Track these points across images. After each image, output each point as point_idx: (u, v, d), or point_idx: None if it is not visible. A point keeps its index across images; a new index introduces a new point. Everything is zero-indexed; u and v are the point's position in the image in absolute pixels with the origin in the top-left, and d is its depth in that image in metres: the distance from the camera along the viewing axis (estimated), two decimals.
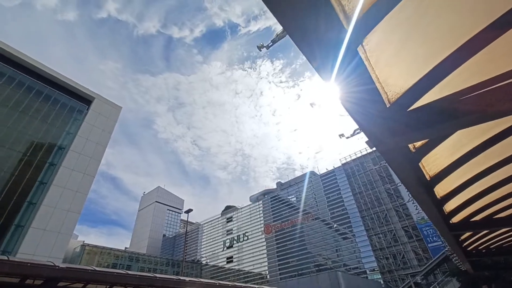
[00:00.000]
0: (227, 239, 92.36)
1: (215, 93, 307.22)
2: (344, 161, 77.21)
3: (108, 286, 12.56)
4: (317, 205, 78.92)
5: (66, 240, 32.34)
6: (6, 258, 10.76)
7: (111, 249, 68.52)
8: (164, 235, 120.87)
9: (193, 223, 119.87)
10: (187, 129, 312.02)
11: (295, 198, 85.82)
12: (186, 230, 40.46)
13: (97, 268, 11.16)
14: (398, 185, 59.86)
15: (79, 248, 61.88)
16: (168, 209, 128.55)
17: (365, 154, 72.81)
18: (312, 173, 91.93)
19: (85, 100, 40.87)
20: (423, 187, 3.86)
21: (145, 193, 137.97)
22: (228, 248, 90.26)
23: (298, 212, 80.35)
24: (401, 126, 2.63)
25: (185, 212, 34.11)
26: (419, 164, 3.55)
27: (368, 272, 62.31)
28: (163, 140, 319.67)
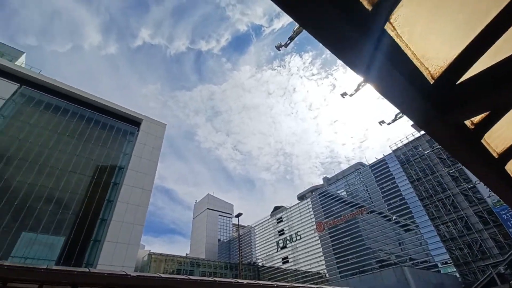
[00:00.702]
0: (279, 239, 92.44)
1: (248, 97, 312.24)
2: (394, 147, 71.64)
3: None
4: (370, 198, 74.43)
5: (135, 251, 35.78)
6: (87, 270, 12.29)
7: (173, 256, 73.75)
8: (219, 240, 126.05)
9: (244, 226, 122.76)
10: (226, 136, 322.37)
11: (344, 192, 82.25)
12: (239, 234, 41.62)
13: (162, 275, 12.09)
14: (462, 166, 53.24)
15: (146, 257, 67.85)
16: (219, 215, 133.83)
17: (418, 137, 66.53)
18: (360, 164, 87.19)
19: (135, 122, 45.00)
20: (491, 166, 3.35)
21: (197, 201, 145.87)
22: (282, 248, 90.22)
23: (351, 207, 76.77)
24: (452, 102, 2.33)
25: (235, 216, 35.14)
26: (482, 141, 3.10)
27: (440, 265, 56.47)
28: (205, 150, 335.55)
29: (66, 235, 31.77)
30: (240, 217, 35.57)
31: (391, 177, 70.67)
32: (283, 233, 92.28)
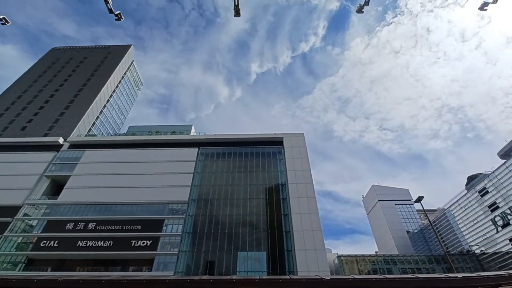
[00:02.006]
0: (495, 216, 69.62)
1: (372, 69, 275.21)
2: None
3: None
4: None
5: (323, 255, 37.53)
6: (288, 277, 13.85)
7: (363, 255, 71.37)
8: (407, 232, 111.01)
9: (434, 211, 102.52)
10: (366, 119, 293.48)
11: None
12: (430, 221, 34.92)
13: (356, 276, 11.76)
14: None
15: (336, 260, 69.51)
16: (395, 204, 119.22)
17: None
18: None
19: (278, 142, 50.04)
20: None
21: (364, 196, 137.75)
22: (503, 227, 67.18)
23: None
24: None
25: (415, 201, 30.06)
26: None
27: None
28: (349, 142, 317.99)
29: (265, 249, 38.20)
30: (423, 201, 30.04)
31: None
32: (497, 207, 68.97)
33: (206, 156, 49.12)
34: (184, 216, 40.40)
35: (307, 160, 47.02)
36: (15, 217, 40.34)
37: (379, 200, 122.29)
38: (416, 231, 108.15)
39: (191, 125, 59.78)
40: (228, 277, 15.29)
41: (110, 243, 37.45)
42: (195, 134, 54.56)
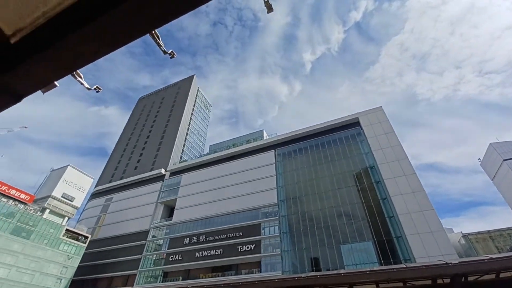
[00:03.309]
0: None
1: (448, 9, 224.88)
2: None
3: None
4: None
5: (443, 236, 32.33)
6: (404, 266, 12.38)
7: (499, 230, 57.95)
8: None
9: None
10: (456, 69, 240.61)
11: None
12: None
13: (494, 256, 9.60)
14: None
15: (462, 240, 58.69)
16: None
17: None
18: None
19: (354, 124, 46.41)
20: None
21: (481, 159, 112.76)
22: None
23: None
24: None
25: None
26: None
27: None
28: (442, 101, 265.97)
29: (370, 239, 35.49)
30: None
31: None
32: None
33: (284, 156, 49.61)
34: (277, 217, 41.61)
35: (394, 134, 41.87)
36: (147, 240, 49.72)
37: (504, 160, 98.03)
38: None
39: (262, 130, 61.79)
40: (335, 272, 14.83)
41: (221, 251, 41.77)
42: (267, 137, 56.03)
